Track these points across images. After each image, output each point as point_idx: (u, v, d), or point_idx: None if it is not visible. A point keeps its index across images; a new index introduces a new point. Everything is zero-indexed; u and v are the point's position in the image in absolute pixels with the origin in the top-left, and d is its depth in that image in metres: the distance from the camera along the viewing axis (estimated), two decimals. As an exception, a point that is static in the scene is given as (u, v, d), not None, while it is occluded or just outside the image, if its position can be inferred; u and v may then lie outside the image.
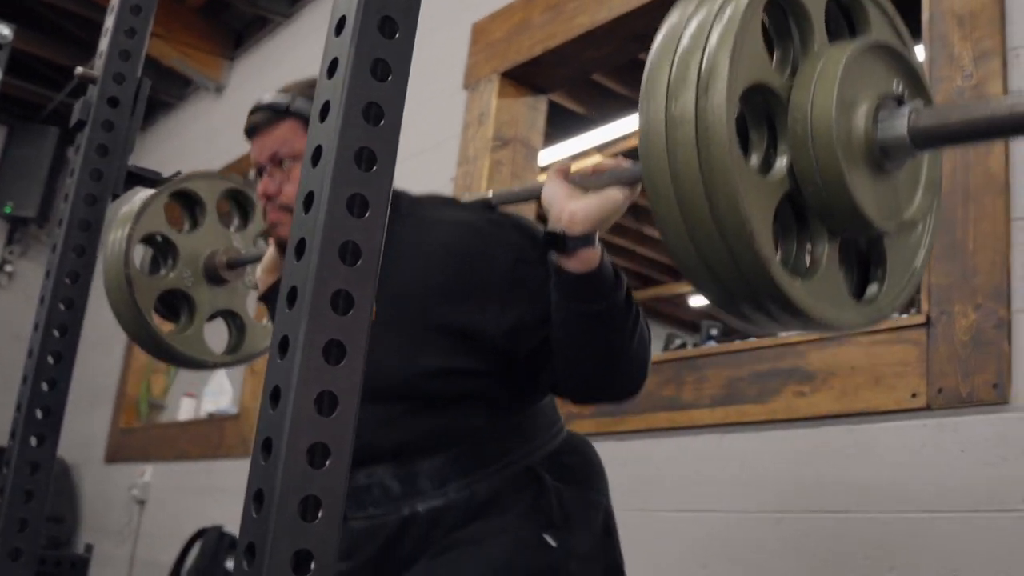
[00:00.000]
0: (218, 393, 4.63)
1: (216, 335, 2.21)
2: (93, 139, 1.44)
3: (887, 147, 0.95)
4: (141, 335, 2.12)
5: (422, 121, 3.35)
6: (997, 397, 1.75)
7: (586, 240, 1.28)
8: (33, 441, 1.30)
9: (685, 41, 0.89)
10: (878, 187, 0.97)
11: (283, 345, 0.71)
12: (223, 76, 5.37)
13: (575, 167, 1.34)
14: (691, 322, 9.79)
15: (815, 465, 2.01)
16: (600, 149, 5.40)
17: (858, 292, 1.06)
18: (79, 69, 1.52)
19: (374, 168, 0.74)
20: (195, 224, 2.19)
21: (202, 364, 2.20)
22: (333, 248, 0.71)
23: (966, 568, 1.72)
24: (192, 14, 5.22)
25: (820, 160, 0.92)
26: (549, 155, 5.34)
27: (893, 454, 1.88)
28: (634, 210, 2.28)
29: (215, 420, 4.47)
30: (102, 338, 4.59)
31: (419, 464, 1.42)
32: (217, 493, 4.17)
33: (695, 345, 3.53)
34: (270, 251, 1.71)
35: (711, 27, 0.89)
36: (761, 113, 0.95)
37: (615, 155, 3.61)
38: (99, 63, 1.48)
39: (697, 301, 9.61)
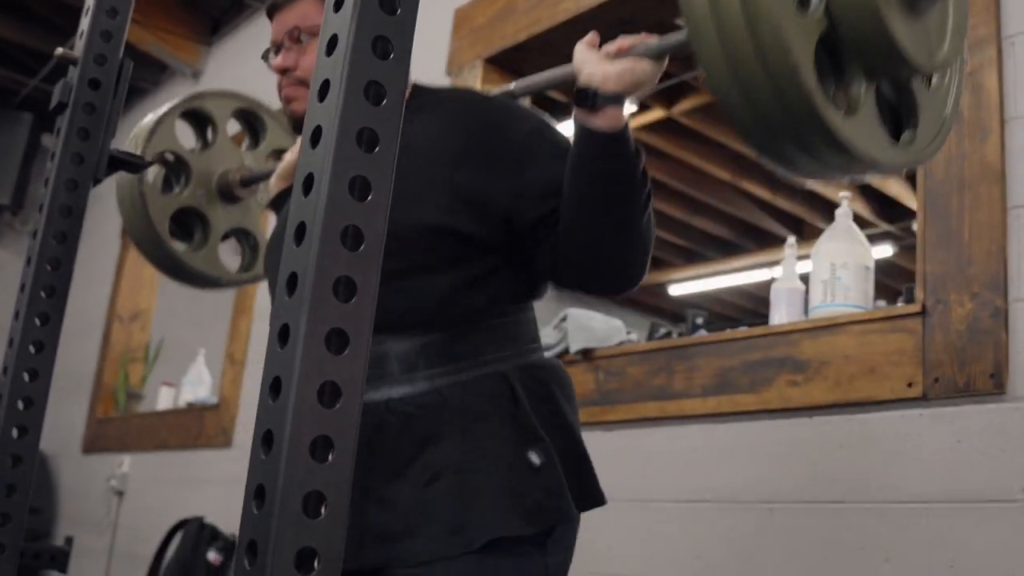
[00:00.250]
0: (197, 383, 4.57)
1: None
2: (74, 122, 1.40)
3: None
4: (156, 253, 2.14)
5: (405, 107, 3.30)
6: (994, 387, 1.74)
7: (616, 99, 1.32)
8: (14, 433, 1.27)
9: None
10: (911, 26, 1.01)
11: (283, 334, 0.68)
12: (200, 61, 5.31)
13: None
14: (671, 311, 9.80)
15: (809, 455, 1.99)
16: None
17: (894, 137, 1.09)
18: (59, 50, 1.47)
19: (376, 149, 0.71)
20: (206, 143, 2.21)
21: (216, 282, 2.24)
22: (334, 232, 0.68)
23: (961, 559, 1.71)
24: (169, -1, 5.17)
25: None
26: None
27: (888, 444, 1.87)
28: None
29: (194, 410, 4.42)
30: (79, 326, 4.53)
31: (388, 343, 1.39)
32: (197, 483, 4.12)
33: (680, 334, 3.51)
34: (287, 157, 1.71)
35: None
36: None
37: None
38: (80, 44, 1.44)
39: (677, 290, 9.62)
